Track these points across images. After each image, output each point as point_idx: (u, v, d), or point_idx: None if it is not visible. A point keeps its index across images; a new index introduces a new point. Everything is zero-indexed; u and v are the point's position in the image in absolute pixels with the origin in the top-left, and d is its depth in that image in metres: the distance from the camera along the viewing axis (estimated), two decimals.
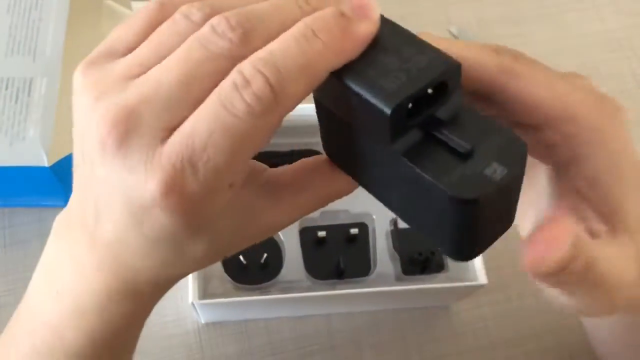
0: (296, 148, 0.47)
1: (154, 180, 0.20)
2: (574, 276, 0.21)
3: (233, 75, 0.20)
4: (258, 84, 0.19)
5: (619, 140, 0.22)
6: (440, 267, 0.44)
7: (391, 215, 0.45)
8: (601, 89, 0.23)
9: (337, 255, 0.43)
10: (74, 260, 0.25)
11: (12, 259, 0.48)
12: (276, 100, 0.20)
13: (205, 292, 0.42)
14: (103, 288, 0.25)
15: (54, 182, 0.42)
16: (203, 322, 0.47)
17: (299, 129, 0.46)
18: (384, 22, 0.22)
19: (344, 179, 0.26)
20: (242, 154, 0.21)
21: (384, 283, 0.43)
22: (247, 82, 0.20)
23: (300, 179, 0.26)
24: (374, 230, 0.45)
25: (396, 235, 0.44)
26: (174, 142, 0.20)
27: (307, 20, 0.21)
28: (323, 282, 0.43)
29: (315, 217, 0.45)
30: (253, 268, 0.42)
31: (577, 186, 0.23)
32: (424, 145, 0.21)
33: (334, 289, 0.43)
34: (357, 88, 0.20)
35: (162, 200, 0.21)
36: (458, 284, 0.42)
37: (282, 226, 0.26)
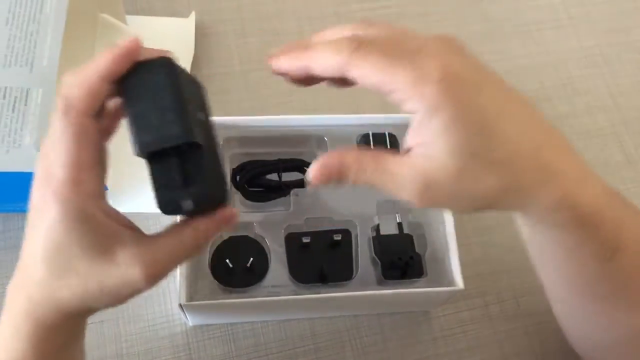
0: (283, 157, 0.49)
1: None
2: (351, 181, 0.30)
3: None
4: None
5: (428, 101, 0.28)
6: (420, 273, 0.45)
7: (373, 222, 0.47)
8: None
9: (321, 261, 0.45)
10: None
11: (6, 264, 0.49)
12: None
13: (193, 295, 0.43)
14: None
15: None
16: (191, 324, 0.48)
17: (286, 139, 0.48)
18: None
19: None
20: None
21: (366, 287, 0.45)
22: None
23: None
24: (356, 237, 0.47)
25: (377, 241, 0.46)
26: None
27: None
28: (307, 287, 0.45)
29: (300, 223, 0.46)
30: (239, 272, 0.44)
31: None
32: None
33: (317, 293, 0.44)
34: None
35: None
36: (435, 289, 0.43)
37: None
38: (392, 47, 0.29)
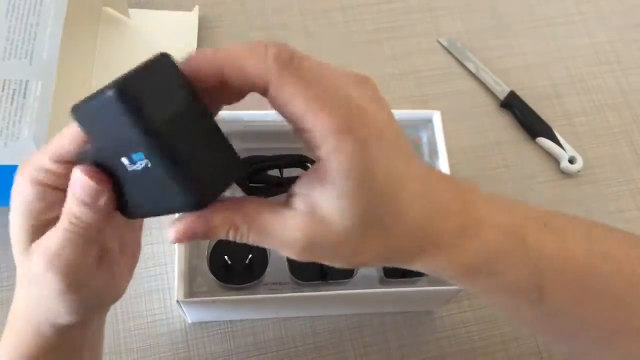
0: (284, 153, 0.49)
1: None
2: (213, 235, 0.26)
3: None
4: None
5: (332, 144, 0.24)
6: (421, 272, 0.44)
7: None
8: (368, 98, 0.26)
9: None
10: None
11: (7, 258, 0.49)
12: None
13: (190, 291, 0.42)
14: None
15: None
16: (190, 321, 0.48)
17: (288, 134, 0.47)
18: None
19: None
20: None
21: (367, 285, 0.44)
22: None
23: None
24: None
25: None
26: None
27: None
28: (307, 284, 0.44)
29: None
30: (238, 268, 0.43)
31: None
32: None
33: (317, 291, 0.43)
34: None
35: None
36: (436, 288, 0.43)
37: None
38: (321, 74, 0.24)
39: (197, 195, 0.24)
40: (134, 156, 0.24)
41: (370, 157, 0.24)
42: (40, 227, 0.28)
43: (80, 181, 0.26)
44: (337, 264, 0.27)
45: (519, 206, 0.30)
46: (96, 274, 0.29)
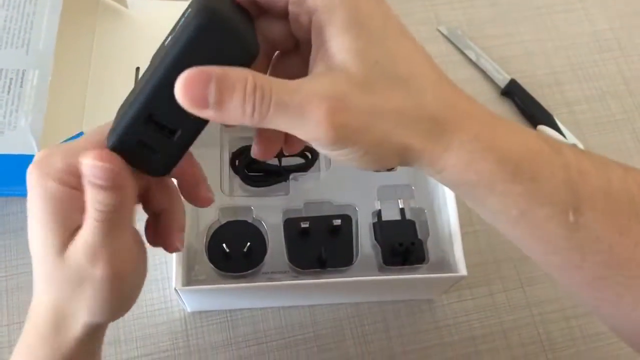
0: None
1: None
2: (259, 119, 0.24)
3: None
4: None
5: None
6: (421, 259, 0.44)
7: (374, 207, 0.46)
8: None
9: (320, 246, 0.44)
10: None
11: (4, 247, 0.49)
12: None
13: (189, 279, 0.42)
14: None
15: None
16: (189, 310, 0.48)
17: None
18: None
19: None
20: None
21: (366, 273, 0.44)
22: None
23: None
24: (357, 222, 0.45)
25: (378, 226, 0.45)
26: None
27: None
28: (306, 272, 0.44)
29: (299, 208, 0.45)
30: (236, 257, 0.43)
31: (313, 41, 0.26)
32: None
33: (316, 279, 0.43)
34: None
35: None
36: (437, 275, 0.42)
37: None
38: None
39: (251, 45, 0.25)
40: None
41: (362, 5, 0.25)
42: (72, 229, 0.27)
43: (91, 167, 0.25)
44: (374, 142, 0.25)
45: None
46: (139, 256, 0.29)
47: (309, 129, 0.24)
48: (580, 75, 0.62)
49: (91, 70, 0.51)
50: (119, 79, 0.50)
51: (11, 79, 0.44)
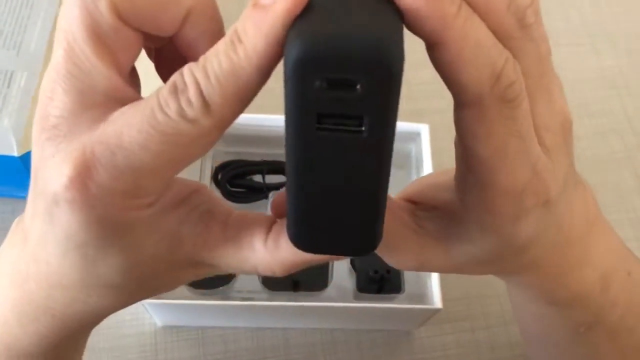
0: (268, 159, 0.48)
1: (66, 166, 0.20)
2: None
3: (174, 77, 0.19)
4: (192, 89, 0.19)
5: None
6: (397, 289, 0.43)
7: None
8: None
9: None
10: (12, 265, 0.24)
11: None
12: (206, 107, 0.19)
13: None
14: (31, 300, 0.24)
15: (23, 173, 0.43)
16: (160, 325, 0.47)
17: (271, 139, 0.47)
18: None
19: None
20: (169, 160, 0.20)
21: (340, 299, 0.43)
22: (184, 86, 0.19)
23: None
24: None
25: None
26: (102, 131, 0.20)
27: (238, 21, 0.20)
28: (278, 294, 0.43)
29: None
30: None
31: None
32: None
33: (289, 301, 0.42)
34: None
35: (66, 191, 0.20)
36: (409, 306, 0.41)
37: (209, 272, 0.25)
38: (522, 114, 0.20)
39: None
40: None
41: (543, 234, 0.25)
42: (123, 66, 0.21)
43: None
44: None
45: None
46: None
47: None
48: (582, 111, 0.60)
49: None
50: None
51: None
